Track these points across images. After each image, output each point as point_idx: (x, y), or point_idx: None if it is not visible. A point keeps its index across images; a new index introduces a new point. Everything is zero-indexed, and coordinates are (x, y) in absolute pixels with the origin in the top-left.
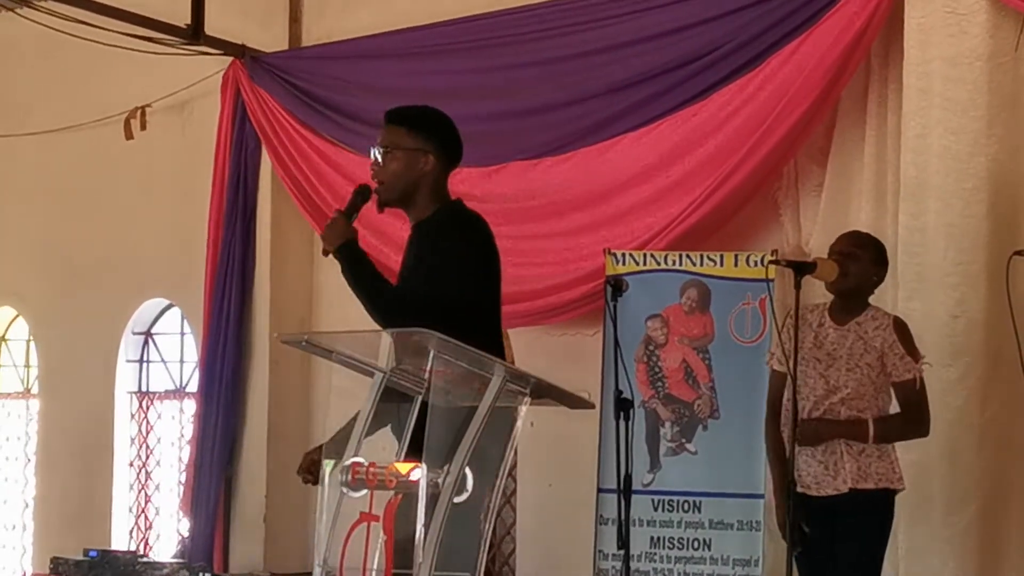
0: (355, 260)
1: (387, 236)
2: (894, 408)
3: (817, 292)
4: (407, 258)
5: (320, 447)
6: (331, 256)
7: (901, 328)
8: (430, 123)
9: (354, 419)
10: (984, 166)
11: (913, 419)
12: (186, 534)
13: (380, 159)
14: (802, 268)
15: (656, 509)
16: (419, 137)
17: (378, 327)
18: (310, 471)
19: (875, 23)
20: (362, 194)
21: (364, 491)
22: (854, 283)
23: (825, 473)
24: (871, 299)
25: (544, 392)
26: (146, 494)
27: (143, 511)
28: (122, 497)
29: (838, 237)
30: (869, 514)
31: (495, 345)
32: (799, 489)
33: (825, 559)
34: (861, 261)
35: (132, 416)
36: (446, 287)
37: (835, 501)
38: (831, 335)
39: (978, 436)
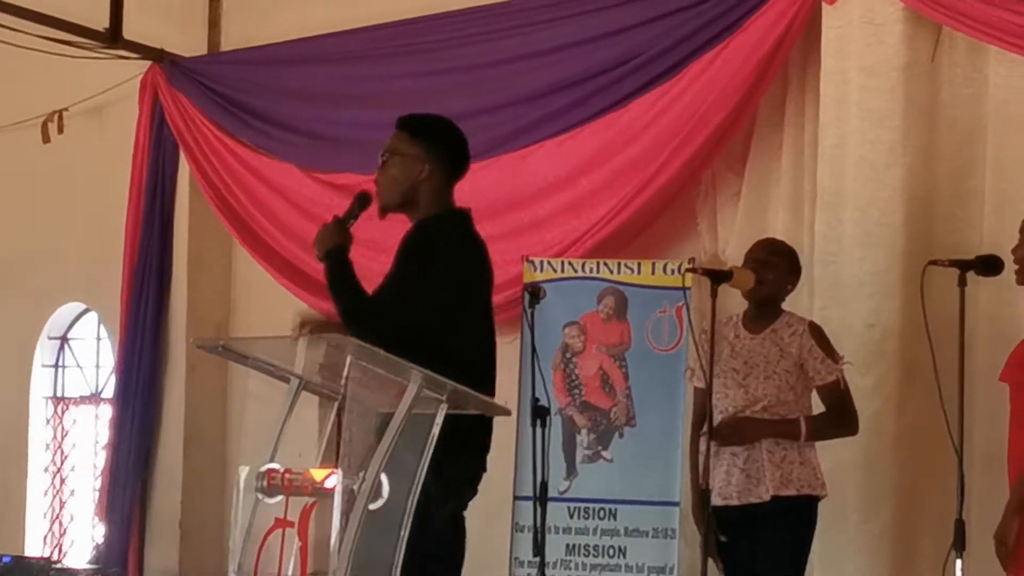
0: (339, 267)
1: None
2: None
3: (734, 301)
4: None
5: None
6: (257, 265)
7: (817, 332)
8: (432, 132)
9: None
10: (900, 176)
11: (841, 418)
12: (101, 540)
13: (381, 164)
14: (719, 276)
15: (572, 516)
16: (419, 145)
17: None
18: None
19: (793, 32)
20: (361, 200)
21: (279, 497)
22: (771, 291)
23: (747, 481)
24: (784, 305)
25: (461, 399)
26: (61, 499)
27: (58, 517)
28: (36, 502)
29: (753, 245)
30: (791, 522)
31: (471, 364)
32: (721, 502)
33: (747, 569)
34: (778, 269)
35: (47, 421)
36: (415, 308)
37: (757, 510)
38: (747, 344)
39: (892, 444)
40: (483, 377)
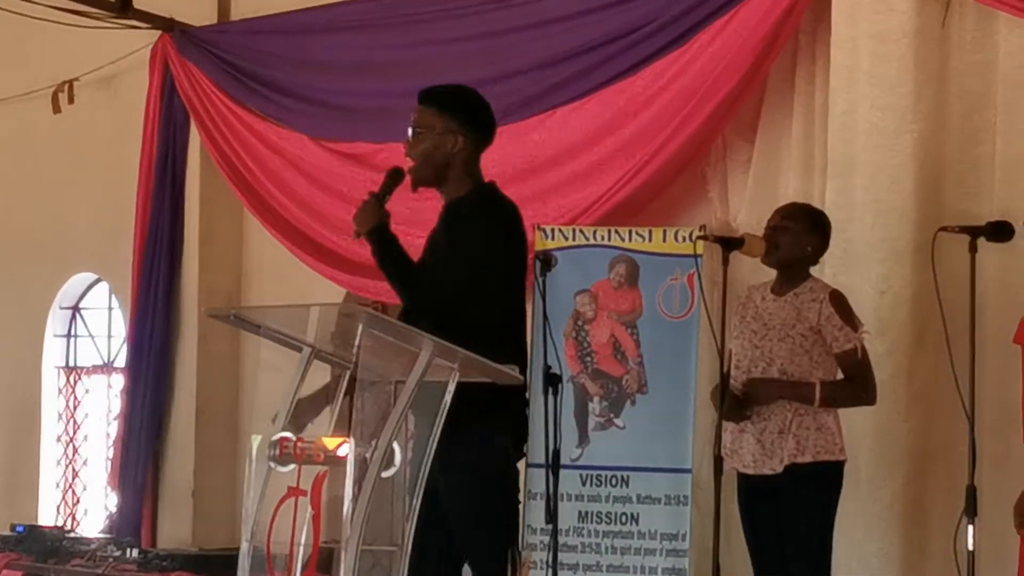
0: (386, 243)
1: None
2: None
3: (747, 268)
4: (438, 236)
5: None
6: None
7: (838, 299)
8: (460, 103)
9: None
10: (911, 142)
11: (858, 387)
12: (114, 509)
13: (411, 139)
14: (729, 244)
15: (584, 484)
16: (449, 117)
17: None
18: None
19: (803, 0)
20: (394, 176)
21: (292, 466)
22: (786, 254)
23: (762, 453)
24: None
25: (472, 367)
26: (74, 469)
27: (70, 486)
28: (49, 472)
29: (775, 210)
30: (811, 488)
31: (519, 336)
32: (741, 468)
33: (771, 539)
34: (791, 232)
35: (60, 391)
36: (479, 279)
37: (776, 479)
38: (769, 307)
39: (904, 410)
40: (521, 350)
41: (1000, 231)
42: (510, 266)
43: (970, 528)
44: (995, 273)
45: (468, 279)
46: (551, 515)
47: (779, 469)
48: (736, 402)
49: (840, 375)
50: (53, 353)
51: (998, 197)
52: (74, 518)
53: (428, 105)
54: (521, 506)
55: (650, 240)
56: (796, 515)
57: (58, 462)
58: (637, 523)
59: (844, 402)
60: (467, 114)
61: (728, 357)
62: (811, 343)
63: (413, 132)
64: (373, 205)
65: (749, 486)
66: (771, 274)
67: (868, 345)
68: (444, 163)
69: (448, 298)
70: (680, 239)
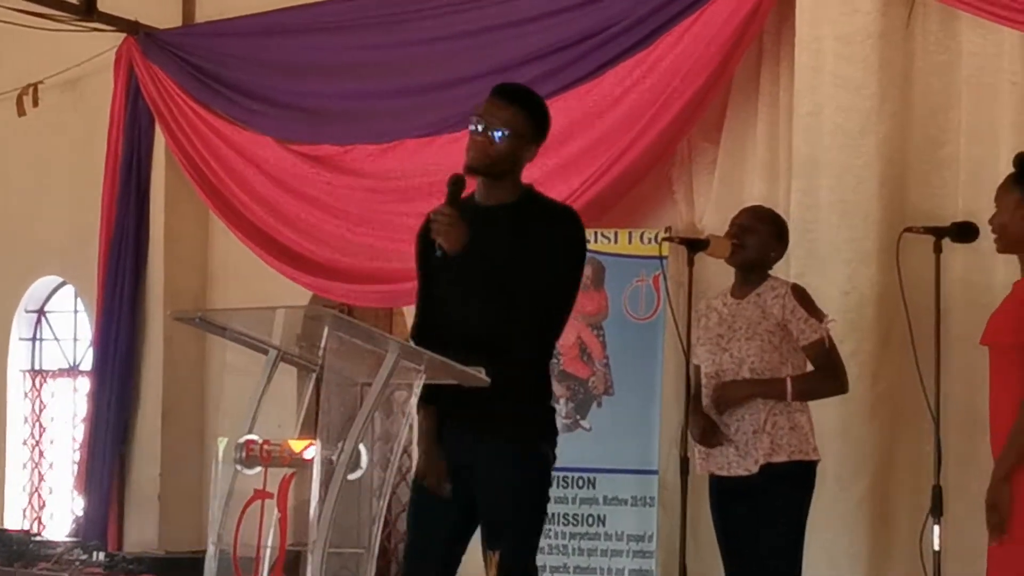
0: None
1: None
2: None
3: (712, 270)
4: (502, 239)
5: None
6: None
7: (800, 293)
8: (544, 116)
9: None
10: (875, 143)
11: (828, 376)
12: (80, 513)
13: (496, 136)
14: (695, 245)
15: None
16: (534, 127)
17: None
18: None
19: (767, 1)
20: (459, 183)
21: (258, 468)
22: (752, 256)
23: (736, 454)
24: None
25: (438, 369)
26: (40, 473)
27: (36, 490)
28: (15, 476)
29: (739, 211)
30: (786, 488)
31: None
32: (716, 470)
33: (744, 540)
34: (759, 234)
35: (25, 395)
36: (572, 287)
37: (749, 481)
38: (732, 310)
39: (870, 411)
40: None
41: (965, 232)
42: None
43: (936, 528)
44: (960, 273)
45: (569, 295)
46: None
47: (754, 469)
48: (710, 426)
49: (810, 367)
50: (19, 357)
51: (963, 198)
52: (40, 522)
53: (516, 105)
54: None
55: (616, 242)
56: (771, 515)
57: (24, 466)
58: (604, 524)
59: (817, 393)
60: (546, 127)
61: (695, 373)
62: (779, 339)
63: (493, 126)
64: (459, 219)
65: (723, 488)
66: (732, 278)
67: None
68: (512, 166)
69: (549, 314)
70: (645, 240)
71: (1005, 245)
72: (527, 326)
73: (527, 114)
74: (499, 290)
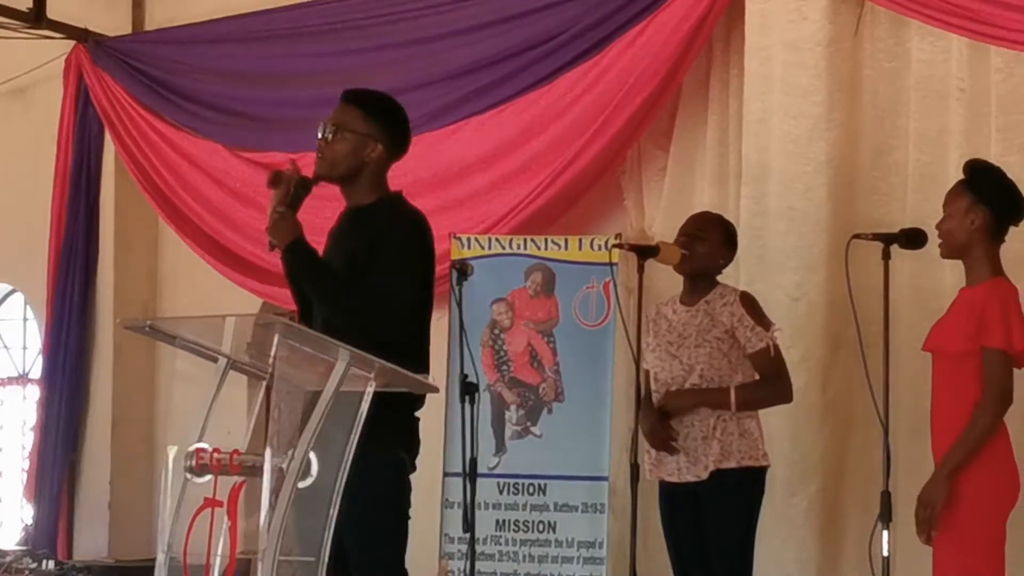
0: (305, 256)
1: None
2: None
3: (661, 276)
4: (343, 241)
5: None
6: (183, 244)
7: (748, 301)
8: (386, 110)
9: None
10: (824, 150)
11: (773, 385)
12: (30, 521)
13: (329, 136)
14: (645, 252)
15: (501, 492)
16: (373, 124)
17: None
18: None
19: (717, 9)
20: (305, 186)
21: (208, 476)
22: (701, 264)
23: (687, 460)
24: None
25: (389, 377)
26: None
27: None
28: None
29: (688, 218)
30: (735, 494)
31: (424, 340)
32: (666, 477)
33: (694, 546)
34: (708, 242)
35: None
36: (403, 284)
37: (698, 487)
38: (681, 317)
39: (819, 417)
40: (424, 360)
41: (913, 238)
42: (427, 277)
43: (885, 533)
44: (908, 280)
45: (389, 285)
46: (468, 524)
47: (704, 476)
48: (659, 424)
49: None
50: None
51: (911, 204)
52: None
53: (353, 106)
54: (410, 521)
55: (566, 248)
56: (721, 521)
57: None
58: (554, 531)
59: (761, 403)
60: (390, 123)
61: (646, 378)
62: (728, 346)
63: (332, 129)
64: (289, 217)
65: (673, 494)
66: (680, 284)
67: (782, 352)
68: (358, 167)
69: (370, 303)
70: (596, 247)
71: (949, 251)
72: (350, 328)
73: (364, 113)
74: None
